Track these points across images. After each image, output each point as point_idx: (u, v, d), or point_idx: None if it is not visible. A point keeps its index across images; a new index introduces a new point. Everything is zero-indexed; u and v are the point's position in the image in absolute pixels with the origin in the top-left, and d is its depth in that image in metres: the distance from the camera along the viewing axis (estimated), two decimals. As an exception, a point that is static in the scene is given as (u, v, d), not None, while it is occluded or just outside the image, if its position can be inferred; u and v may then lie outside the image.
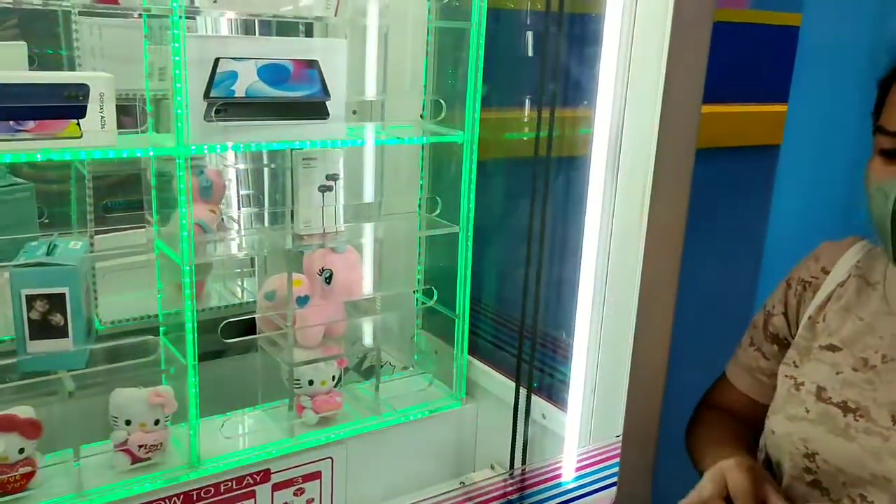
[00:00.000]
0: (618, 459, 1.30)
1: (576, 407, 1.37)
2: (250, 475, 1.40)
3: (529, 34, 1.55)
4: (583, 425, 1.37)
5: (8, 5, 1.17)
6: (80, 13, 1.61)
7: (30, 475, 1.24)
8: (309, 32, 1.78)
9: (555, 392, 1.48)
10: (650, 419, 1.33)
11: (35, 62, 1.60)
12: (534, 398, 1.50)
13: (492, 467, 1.61)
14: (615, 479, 1.33)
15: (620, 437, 1.30)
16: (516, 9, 1.58)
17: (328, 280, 1.49)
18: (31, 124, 1.15)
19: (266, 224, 1.92)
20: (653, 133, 1.23)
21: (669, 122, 1.19)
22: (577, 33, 1.37)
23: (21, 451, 1.23)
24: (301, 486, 1.47)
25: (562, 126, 1.41)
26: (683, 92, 1.19)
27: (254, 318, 1.54)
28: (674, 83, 1.17)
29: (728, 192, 1.99)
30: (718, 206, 1.93)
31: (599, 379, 1.35)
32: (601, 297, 1.36)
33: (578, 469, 1.35)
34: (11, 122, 1.13)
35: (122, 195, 1.86)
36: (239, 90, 1.30)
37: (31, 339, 1.24)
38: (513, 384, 1.52)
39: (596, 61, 1.27)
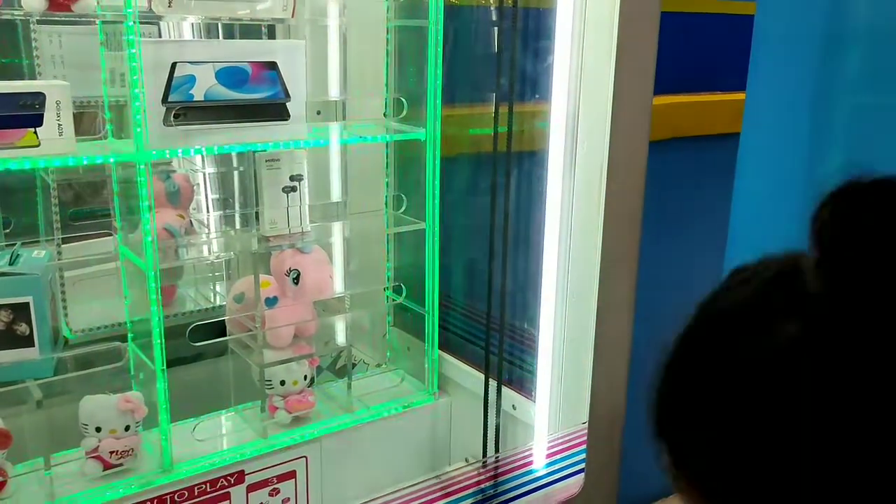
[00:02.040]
0: (585, 446, 1.32)
1: (544, 396, 1.39)
2: (224, 477, 1.41)
3: (486, 30, 1.57)
4: (551, 413, 1.39)
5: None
6: (39, 21, 1.60)
7: (1, 485, 1.24)
8: (272, 34, 1.79)
9: (524, 383, 1.50)
10: (615, 404, 1.35)
11: (-6, 74, 1.60)
12: (504, 390, 1.51)
13: (466, 461, 1.62)
14: (584, 464, 1.35)
15: (587, 423, 1.33)
16: (472, 5, 1.59)
17: (296, 280, 1.50)
18: (-13, 134, 1.15)
19: (237, 227, 1.92)
20: (607, 125, 1.25)
21: (621, 113, 1.21)
22: (532, 28, 1.39)
23: (-9, 461, 1.23)
24: (276, 486, 1.48)
25: (521, 121, 1.43)
26: (634, 83, 1.21)
27: (224, 323, 1.54)
28: (624, 75, 1.19)
29: (690, 181, 2.02)
30: (681, 195, 1.95)
31: (565, 368, 1.37)
32: (563, 289, 1.38)
33: (549, 456, 1.37)
34: (-33, 133, 1.13)
35: (88, 203, 1.86)
36: (197, 94, 1.30)
37: (-3, 349, 1.24)
38: (483, 377, 1.53)
39: (549, 55, 1.29)
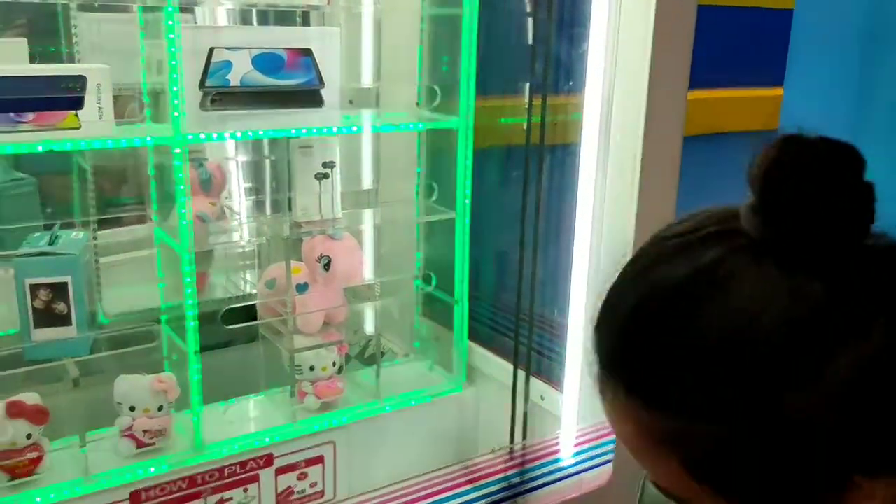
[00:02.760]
0: (614, 436, 1.32)
1: (572, 386, 1.39)
2: (253, 459, 1.43)
3: (520, 20, 1.57)
4: (580, 404, 1.38)
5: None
6: (79, 8, 1.63)
7: (37, 460, 1.27)
8: (306, 21, 1.80)
9: (553, 374, 1.50)
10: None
11: (36, 59, 1.63)
12: (532, 380, 1.51)
13: (493, 451, 1.62)
14: (612, 455, 1.35)
15: (615, 415, 1.32)
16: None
17: (327, 267, 1.51)
18: (30, 116, 1.17)
19: (267, 214, 1.94)
20: (641, 119, 1.24)
21: (656, 107, 1.21)
22: (567, 18, 1.39)
23: (28, 436, 1.25)
24: (304, 470, 1.50)
25: (554, 112, 1.43)
26: (670, 77, 1.20)
27: (255, 308, 1.56)
28: (660, 68, 1.18)
29: (725, 178, 2.00)
30: (715, 192, 1.93)
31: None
32: (594, 281, 1.38)
33: (577, 445, 1.37)
34: (12, 115, 1.15)
35: (123, 191, 1.89)
36: (234, 79, 1.32)
37: (36, 327, 1.27)
38: (512, 368, 1.54)
39: (584, 48, 1.29)
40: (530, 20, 1.50)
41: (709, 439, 0.54)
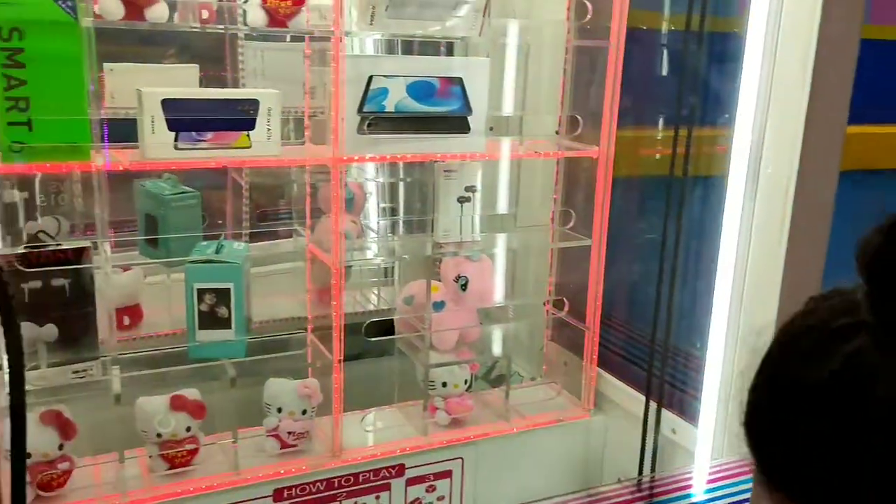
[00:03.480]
0: (752, 475, 1.29)
1: (708, 421, 1.37)
2: (386, 468, 1.49)
3: (667, 53, 1.58)
4: (715, 439, 1.36)
5: (194, 28, 1.31)
6: (246, 37, 1.77)
7: (194, 452, 1.37)
8: (450, 52, 1.88)
9: (686, 407, 1.48)
10: (786, 436, 1.31)
11: (202, 83, 1.78)
12: (664, 412, 1.50)
13: (619, 480, 1.62)
14: (748, 494, 1.32)
15: (754, 452, 1.29)
16: (654, 28, 1.60)
17: (464, 287, 1.56)
18: (209, 135, 1.28)
19: (400, 233, 2.02)
20: (795, 153, 1.22)
21: (812, 142, 1.18)
22: (717, 52, 1.39)
23: (188, 429, 1.36)
24: (433, 483, 1.54)
25: (698, 144, 1.43)
26: (828, 111, 1.18)
27: (390, 323, 1.63)
28: (818, 102, 1.16)
29: (881, 215, 1.92)
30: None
31: (735, 393, 1.34)
32: (736, 318, 1.36)
33: (710, 482, 1.34)
34: (194, 133, 1.27)
35: (274, 206, 2.02)
36: (389, 105, 1.40)
37: (200, 328, 1.37)
38: (642, 397, 1.53)
39: (735, 81, 1.29)
40: (677, 53, 1.51)
41: None
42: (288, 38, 1.84)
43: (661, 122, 1.59)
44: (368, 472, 1.47)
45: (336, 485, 1.45)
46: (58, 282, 1.26)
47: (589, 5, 1.53)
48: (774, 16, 1.22)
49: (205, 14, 1.34)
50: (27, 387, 1.00)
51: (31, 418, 1.21)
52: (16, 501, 0.97)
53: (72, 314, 1.28)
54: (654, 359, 1.49)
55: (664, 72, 1.59)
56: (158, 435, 1.33)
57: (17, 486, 0.97)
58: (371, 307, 2.04)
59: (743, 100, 1.27)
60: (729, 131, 1.32)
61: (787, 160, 1.22)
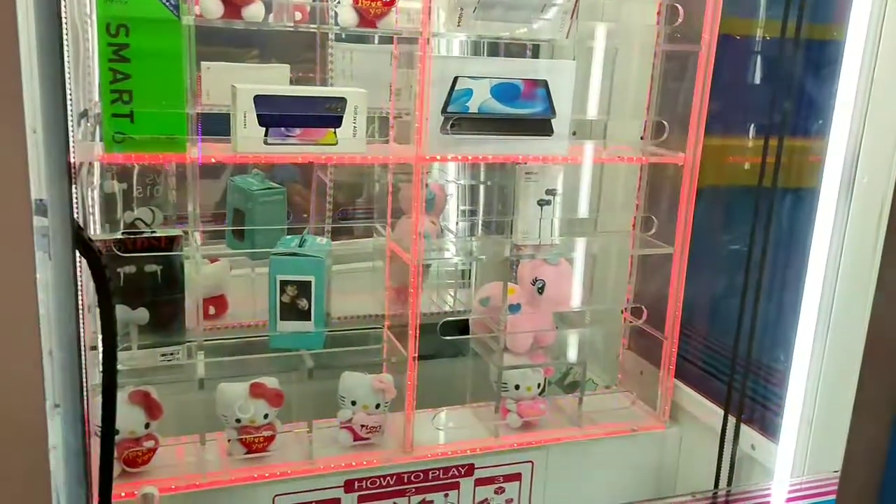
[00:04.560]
0: (835, 496, 1.24)
1: (789, 438, 1.32)
2: (456, 467, 1.49)
3: (760, 60, 1.53)
4: (797, 457, 1.32)
5: (288, 27, 1.35)
6: (336, 39, 1.82)
7: (271, 438, 1.41)
8: (535, 54, 1.88)
9: (766, 423, 1.44)
10: (873, 458, 1.26)
11: (293, 83, 1.84)
12: (743, 427, 1.46)
13: (693, 495, 1.58)
14: (829, 516, 1.27)
15: (839, 473, 1.24)
16: (747, 35, 1.56)
17: (541, 290, 1.56)
18: (297, 131, 1.32)
19: (479, 235, 2.02)
20: (891, 165, 1.17)
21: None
22: (812, 59, 1.34)
23: (265, 416, 1.40)
24: (501, 485, 1.54)
25: (789, 154, 1.38)
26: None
27: (465, 323, 1.63)
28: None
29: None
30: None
31: (818, 413, 1.29)
32: (824, 331, 1.31)
33: (790, 501, 1.30)
34: (283, 129, 1.31)
35: (354, 205, 2.06)
36: (472, 106, 1.40)
37: (281, 319, 1.41)
38: (720, 411, 1.49)
39: (830, 89, 1.24)
40: (771, 59, 1.47)
41: None
42: (376, 41, 1.88)
43: (751, 130, 1.54)
44: (438, 469, 1.48)
45: (406, 480, 1.46)
46: (150, 268, 1.32)
47: (681, 9, 1.51)
48: (876, 22, 1.18)
49: (298, 15, 1.38)
50: (118, 367, 1.05)
51: (121, 397, 1.28)
52: (104, 475, 1.03)
53: (162, 299, 1.34)
54: (735, 372, 1.45)
55: (756, 79, 1.54)
56: (238, 420, 1.38)
57: (106, 459, 1.02)
58: (447, 308, 2.06)
59: (839, 108, 1.23)
60: (823, 141, 1.28)
61: (883, 171, 1.17)
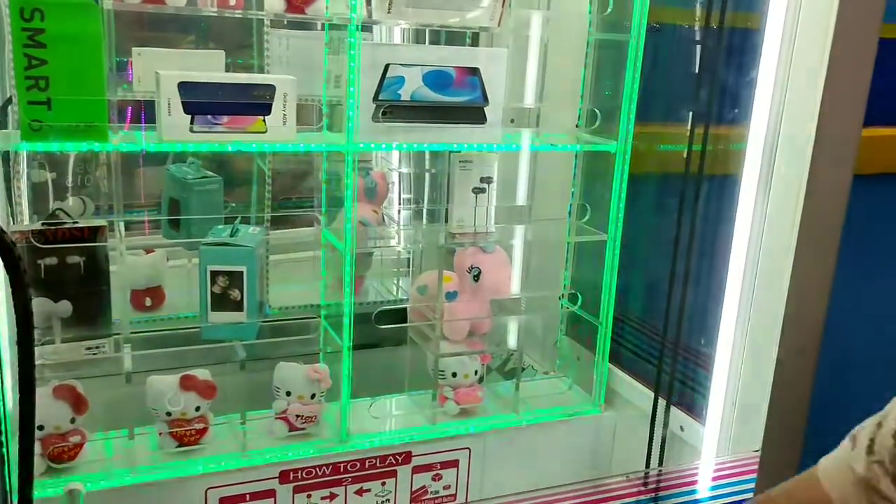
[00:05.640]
0: (756, 475, 1.28)
1: (714, 419, 1.36)
2: (393, 455, 1.50)
3: (685, 49, 1.56)
4: (721, 437, 1.35)
5: (212, 13, 1.33)
6: (272, 24, 1.79)
7: (203, 431, 1.40)
8: (475, 43, 1.88)
9: (695, 405, 1.47)
10: (792, 436, 1.30)
11: (230, 70, 1.81)
12: (672, 410, 1.49)
13: (626, 477, 1.61)
14: (752, 493, 1.31)
15: (759, 451, 1.28)
16: (675, 23, 1.58)
17: (476, 278, 1.56)
18: (224, 119, 1.30)
19: (423, 224, 2.02)
20: (808, 153, 1.20)
21: (826, 142, 1.17)
22: (735, 48, 1.37)
23: (197, 409, 1.38)
24: (439, 471, 1.55)
25: (714, 142, 1.41)
26: (843, 111, 1.16)
27: (404, 312, 1.64)
28: (832, 102, 1.14)
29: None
30: (885, 235, 1.82)
31: (741, 393, 1.33)
32: (745, 316, 1.35)
33: (715, 479, 1.33)
34: (209, 117, 1.29)
35: (295, 194, 2.04)
36: (405, 94, 1.40)
37: (213, 310, 1.40)
38: (652, 394, 1.52)
39: (752, 78, 1.27)
40: (697, 48, 1.49)
41: None
42: (319, 27, 1.86)
43: (678, 118, 1.57)
44: (375, 458, 1.48)
45: (342, 469, 1.46)
46: (73, 259, 1.29)
47: (609, -2, 1.53)
48: (792, 12, 1.20)
49: (232, 1, 1.36)
50: (42, 361, 1.03)
51: (45, 392, 1.25)
52: (24, 472, 1.00)
53: (86, 292, 1.31)
54: (664, 356, 1.48)
55: (685, 67, 1.57)
56: (168, 413, 1.36)
57: (25, 457, 0.99)
58: (391, 297, 2.06)
59: (758, 98, 1.25)
60: (745, 129, 1.31)
61: (801, 159, 1.20)
